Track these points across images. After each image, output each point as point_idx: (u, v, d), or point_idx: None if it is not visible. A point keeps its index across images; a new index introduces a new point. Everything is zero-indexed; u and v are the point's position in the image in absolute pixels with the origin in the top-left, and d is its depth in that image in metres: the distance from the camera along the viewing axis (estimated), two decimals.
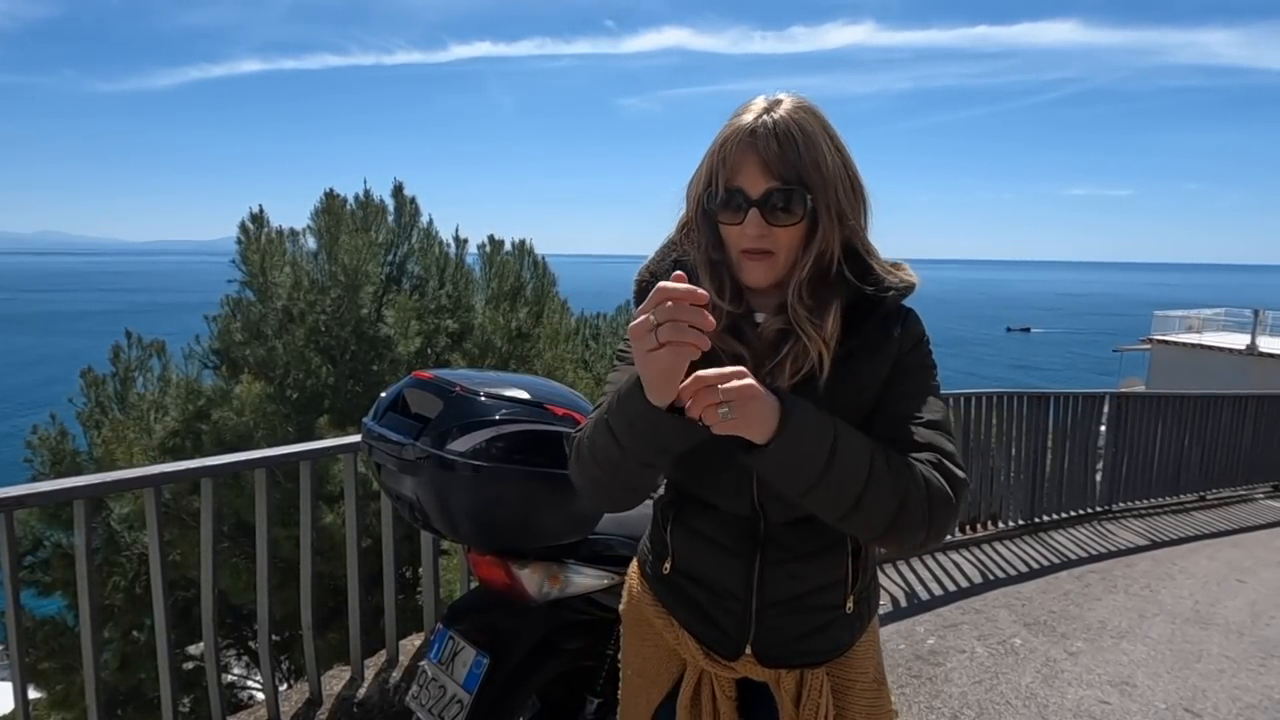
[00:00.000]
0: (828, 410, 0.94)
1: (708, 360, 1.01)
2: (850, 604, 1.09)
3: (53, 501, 1.78)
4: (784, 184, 0.95)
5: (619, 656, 1.29)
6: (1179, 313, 23.37)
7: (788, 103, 0.97)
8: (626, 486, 0.98)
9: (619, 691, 1.27)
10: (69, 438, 6.18)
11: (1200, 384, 15.77)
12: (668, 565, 1.15)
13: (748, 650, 1.09)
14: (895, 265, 1.07)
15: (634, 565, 1.27)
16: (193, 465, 2.09)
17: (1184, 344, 21.08)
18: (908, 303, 1.06)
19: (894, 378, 1.01)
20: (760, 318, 1.05)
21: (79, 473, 5.93)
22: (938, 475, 0.94)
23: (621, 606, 1.27)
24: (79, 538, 1.82)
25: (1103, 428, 5.42)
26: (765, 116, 0.95)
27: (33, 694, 5.51)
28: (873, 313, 1.01)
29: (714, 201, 0.99)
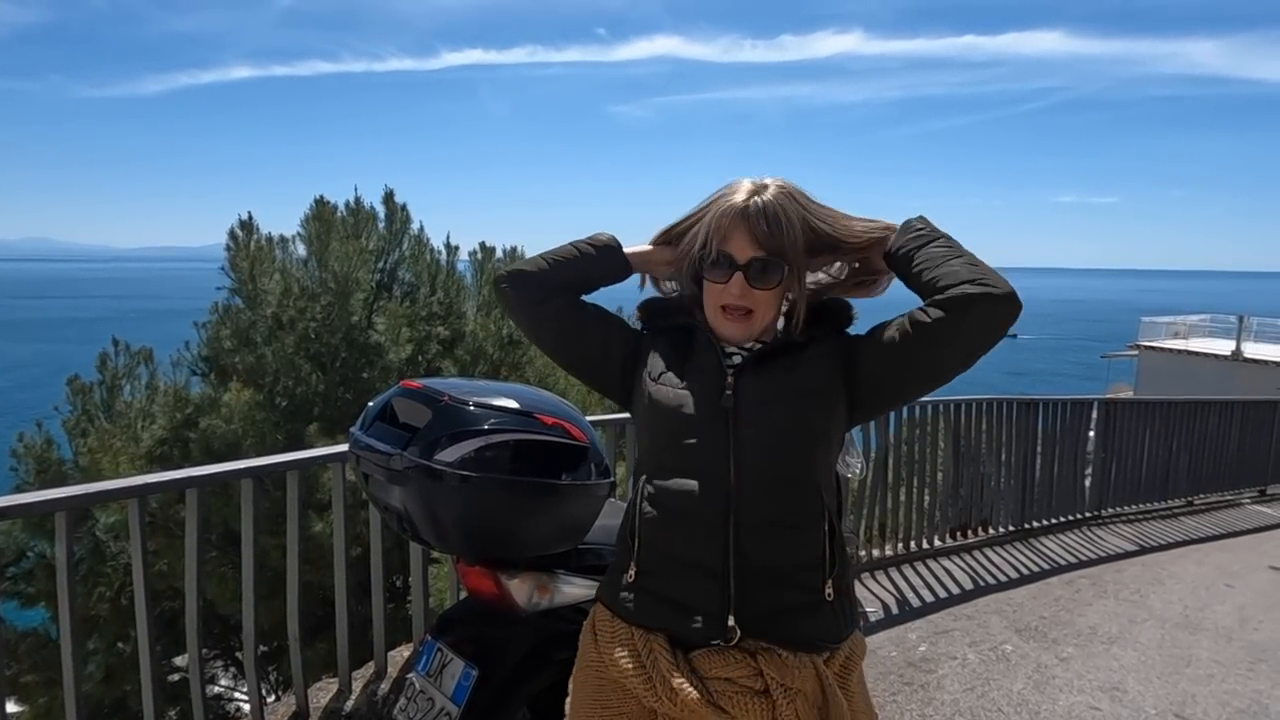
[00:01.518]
0: (780, 381, 1.14)
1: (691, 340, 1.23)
2: (830, 590, 1.10)
3: (34, 514, 1.75)
4: (767, 255, 1.13)
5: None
6: (1165, 319, 23.56)
7: (772, 188, 1.15)
8: (556, 275, 1.25)
9: None
10: (54, 446, 6.11)
11: (1187, 389, 15.89)
12: (632, 571, 1.15)
13: (731, 621, 1.07)
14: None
15: (588, 623, 1.23)
16: (178, 476, 2.06)
17: (1170, 350, 21.27)
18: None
19: (864, 345, 1.17)
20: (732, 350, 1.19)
21: (64, 481, 5.85)
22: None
23: (573, 675, 1.24)
24: (60, 550, 1.80)
25: (1091, 433, 5.45)
26: (755, 198, 1.13)
27: (15, 707, 5.42)
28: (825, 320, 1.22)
29: (705, 261, 1.16)
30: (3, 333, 65.12)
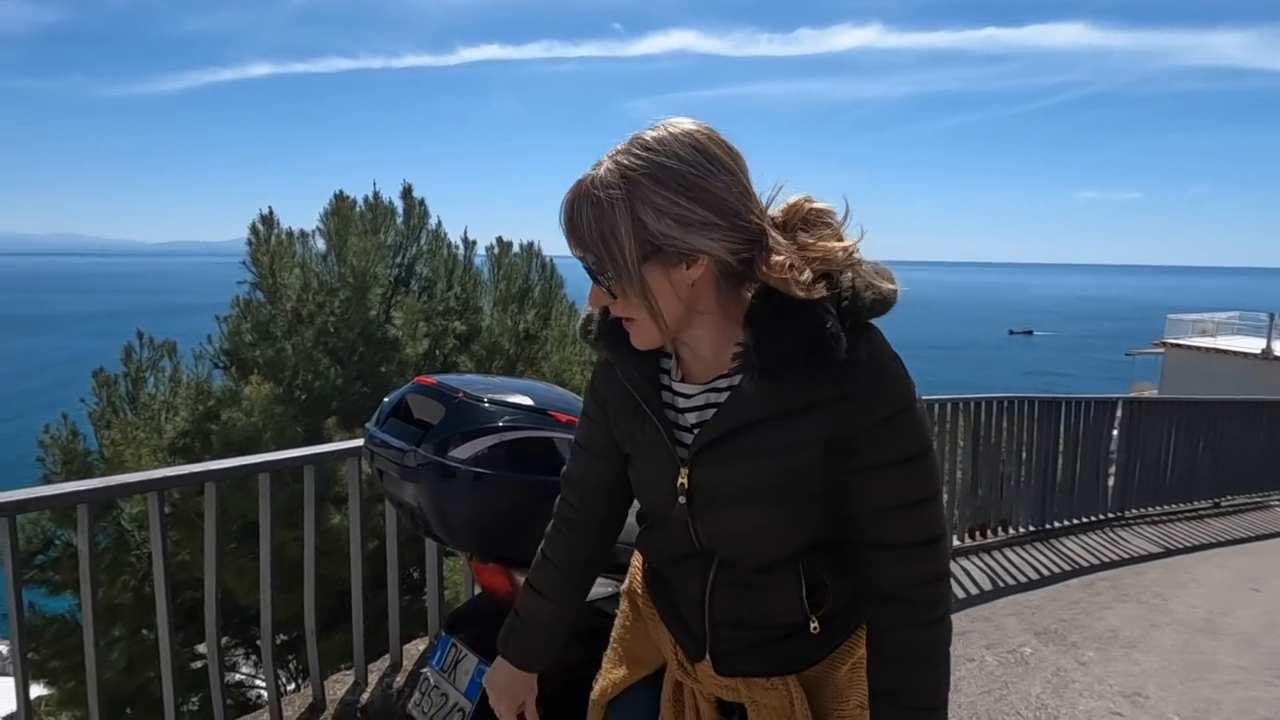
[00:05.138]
0: (741, 474, 0.94)
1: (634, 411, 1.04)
2: (815, 625, 1.02)
3: (55, 507, 1.78)
4: (583, 254, 0.90)
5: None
6: (1192, 316, 23.11)
7: (586, 178, 0.88)
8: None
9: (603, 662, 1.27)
10: (80, 438, 6.22)
11: (1213, 389, 15.59)
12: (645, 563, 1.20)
13: (707, 656, 1.08)
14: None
15: (634, 566, 1.27)
16: (196, 469, 2.09)
17: (1197, 348, 20.86)
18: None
19: (851, 441, 0.90)
20: (685, 388, 1.01)
21: (90, 472, 5.96)
22: (934, 602, 0.95)
23: (624, 586, 1.28)
24: (81, 542, 1.83)
25: (1115, 432, 5.36)
26: (573, 189, 0.89)
27: (42, 690, 5.55)
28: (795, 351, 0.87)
29: None
30: (32, 327, 66.46)
